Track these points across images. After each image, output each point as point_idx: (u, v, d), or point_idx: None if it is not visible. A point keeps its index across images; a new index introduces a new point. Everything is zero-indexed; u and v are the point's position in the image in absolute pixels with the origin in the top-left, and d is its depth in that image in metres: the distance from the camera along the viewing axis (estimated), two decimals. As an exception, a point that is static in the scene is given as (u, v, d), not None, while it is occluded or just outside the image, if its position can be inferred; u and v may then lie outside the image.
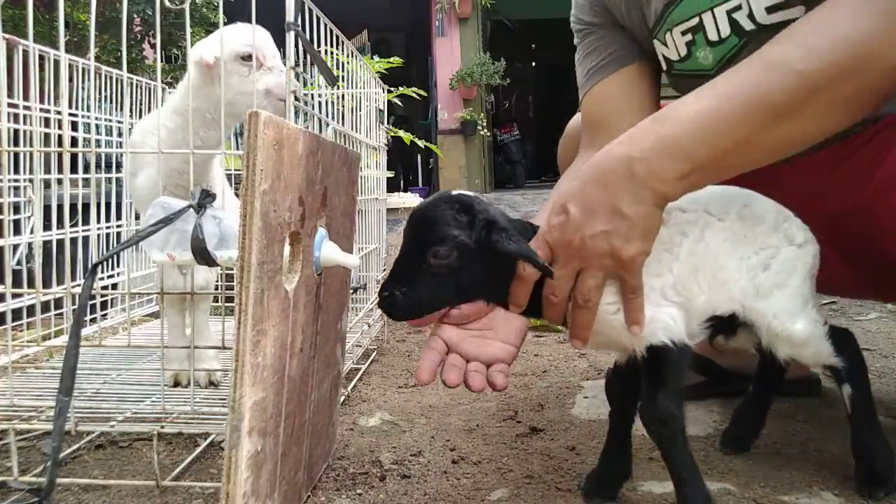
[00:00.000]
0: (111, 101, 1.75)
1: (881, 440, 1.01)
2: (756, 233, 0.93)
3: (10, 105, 1.35)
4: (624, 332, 0.87)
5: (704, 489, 0.88)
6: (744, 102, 0.81)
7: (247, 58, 1.25)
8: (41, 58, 1.42)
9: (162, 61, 4.96)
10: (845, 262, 1.25)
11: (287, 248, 0.84)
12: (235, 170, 1.79)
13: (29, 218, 1.53)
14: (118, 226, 1.86)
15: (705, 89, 0.85)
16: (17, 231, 1.52)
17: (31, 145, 1.45)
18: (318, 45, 1.28)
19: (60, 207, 1.32)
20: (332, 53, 1.43)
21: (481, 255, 0.82)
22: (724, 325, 0.96)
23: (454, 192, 0.86)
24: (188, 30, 1.16)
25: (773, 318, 0.92)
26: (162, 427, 1.09)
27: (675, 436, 0.87)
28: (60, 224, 1.36)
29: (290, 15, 1.02)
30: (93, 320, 1.74)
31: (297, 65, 1.05)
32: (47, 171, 1.52)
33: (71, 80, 1.60)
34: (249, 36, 1.24)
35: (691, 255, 0.89)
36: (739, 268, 0.91)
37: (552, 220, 0.85)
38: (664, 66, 1.26)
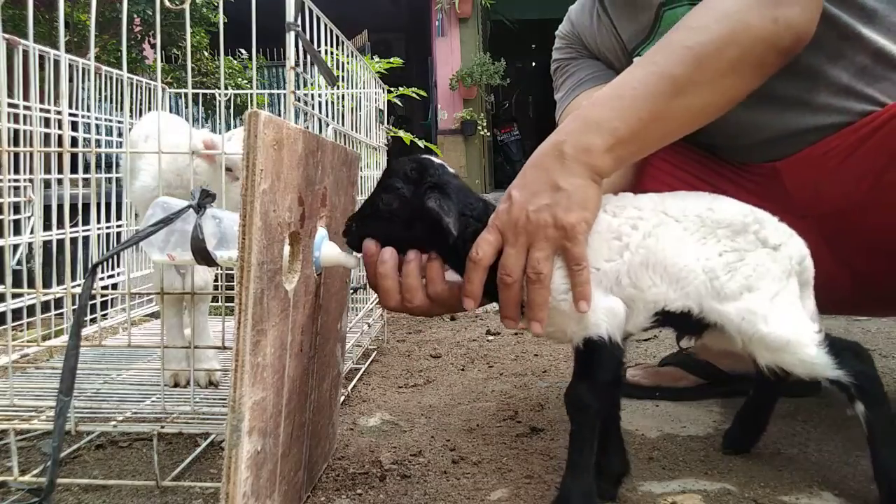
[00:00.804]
0: (111, 101, 1.75)
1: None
2: (718, 235, 0.93)
3: (10, 105, 1.34)
4: (570, 320, 0.93)
5: (588, 482, 0.94)
6: (649, 81, 0.94)
7: (227, 169, 1.21)
8: (41, 58, 1.42)
9: (162, 61, 4.96)
10: (844, 269, 1.26)
11: (287, 248, 0.85)
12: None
13: (29, 218, 1.53)
14: (118, 226, 1.86)
15: (618, 78, 0.98)
16: (17, 231, 1.52)
17: (31, 145, 1.45)
18: (318, 45, 1.28)
19: (60, 207, 1.32)
20: (332, 53, 1.43)
21: (420, 208, 0.90)
22: (683, 323, 0.95)
23: (422, 157, 0.95)
24: (188, 30, 1.16)
25: (741, 321, 0.91)
26: (162, 427, 1.09)
27: (586, 424, 0.94)
28: (60, 224, 1.36)
29: (290, 15, 1.02)
30: (93, 320, 1.74)
31: (297, 65, 1.05)
32: (47, 171, 1.52)
33: (71, 80, 1.60)
34: (236, 148, 1.18)
35: (641, 247, 0.92)
36: (695, 267, 0.91)
37: (500, 206, 0.94)
38: None
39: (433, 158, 0.95)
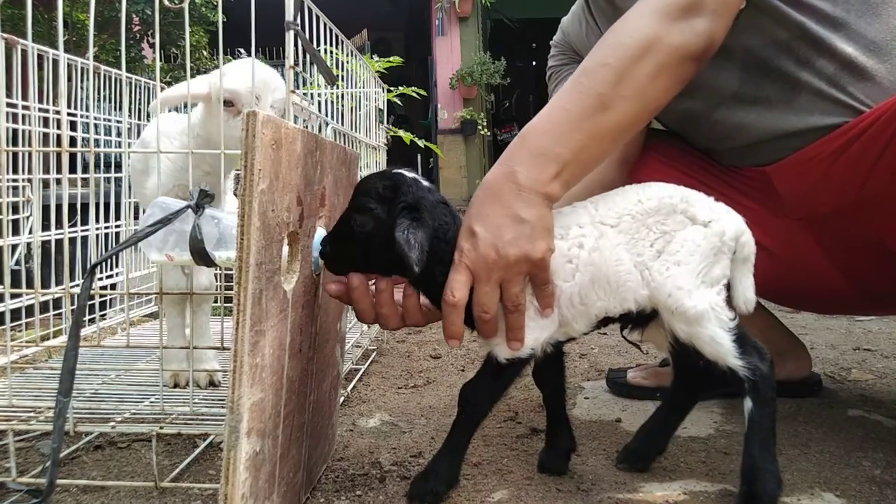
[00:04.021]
0: (110, 101, 1.75)
1: (769, 465, 0.96)
2: (649, 224, 0.97)
3: (8, 105, 1.34)
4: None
5: (454, 467, 1.01)
6: (578, 101, 0.98)
7: (226, 103, 1.23)
8: (40, 57, 1.41)
9: (161, 61, 4.95)
10: (839, 270, 1.27)
11: (285, 249, 0.84)
12: (235, 170, 1.79)
13: (28, 218, 1.52)
14: (117, 226, 1.86)
15: (548, 106, 1.02)
16: (15, 231, 1.52)
17: (29, 145, 1.45)
18: (318, 45, 1.27)
19: (59, 207, 1.32)
20: (331, 53, 1.42)
21: (392, 232, 0.89)
22: (625, 320, 1.02)
23: (394, 171, 0.95)
24: (187, 29, 1.16)
25: (667, 298, 0.94)
26: (161, 428, 1.09)
27: (468, 417, 1.00)
28: (59, 224, 1.36)
29: (289, 14, 1.02)
30: (91, 321, 1.74)
31: (296, 64, 1.05)
32: (46, 170, 1.51)
33: (70, 79, 1.59)
34: (235, 80, 1.21)
35: (589, 265, 0.96)
36: (631, 268, 0.96)
37: (464, 244, 0.94)
38: None
39: (405, 173, 0.95)
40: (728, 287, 0.99)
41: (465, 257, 0.93)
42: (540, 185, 0.94)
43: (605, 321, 1.01)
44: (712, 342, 0.95)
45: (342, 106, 1.69)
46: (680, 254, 0.95)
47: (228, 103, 1.23)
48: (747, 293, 0.99)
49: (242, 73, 1.22)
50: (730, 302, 0.98)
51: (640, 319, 1.01)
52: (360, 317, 0.99)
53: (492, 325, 0.95)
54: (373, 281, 0.98)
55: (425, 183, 0.95)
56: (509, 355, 0.97)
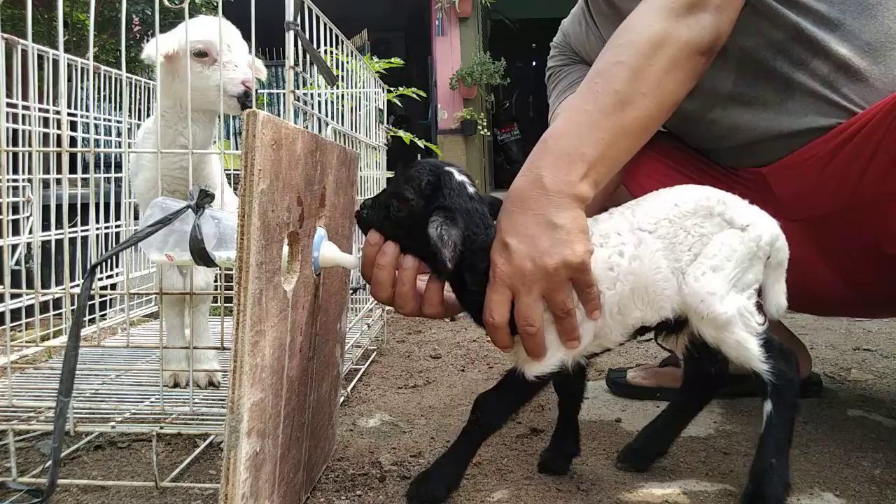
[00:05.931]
0: (110, 101, 1.75)
1: (780, 470, 0.95)
2: (687, 227, 0.96)
3: (8, 105, 1.34)
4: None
5: (456, 472, 1.02)
6: (597, 103, 0.98)
7: (200, 54, 1.26)
8: (40, 57, 1.41)
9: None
10: (837, 273, 1.27)
11: (286, 249, 0.84)
12: (234, 170, 1.79)
13: (28, 218, 1.52)
14: (117, 226, 1.86)
15: (565, 108, 1.01)
16: (15, 231, 1.52)
17: (29, 145, 1.45)
18: (318, 45, 1.28)
19: (59, 207, 1.32)
20: (331, 53, 1.42)
21: (423, 227, 0.89)
22: (659, 329, 1.01)
23: (447, 168, 0.94)
24: (187, 30, 1.16)
25: (699, 303, 0.94)
26: (161, 428, 1.09)
27: (480, 428, 1.00)
28: (59, 224, 1.36)
29: (289, 14, 1.02)
30: (91, 321, 1.74)
31: (296, 64, 1.05)
32: (46, 170, 1.51)
33: (70, 79, 1.59)
34: (204, 31, 1.25)
35: (629, 274, 0.94)
36: (669, 277, 0.95)
37: (497, 259, 0.91)
38: None
39: (456, 173, 0.93)
40: (758, 292, 0.98)
41: (499, 273, 0.90)
42: (569, 186, 0.92)
43: (641, 330, 0.99)
44: (739, 346, 0.94)
45: (342, 106, 1.69)
46: (717, 258, 0.93)
47: (203, 53, 1.26)
48: (779, 299, 0.99)
49: (208, 24, 1.26)
50: (759, 306, 0.97)
51: (677, 326, 0.99)
52: (375, 291, 0.95)
53: (538, 340, 0.93)
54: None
55: (471, 189, 0.94)
56: (537, 372, 0.95)
